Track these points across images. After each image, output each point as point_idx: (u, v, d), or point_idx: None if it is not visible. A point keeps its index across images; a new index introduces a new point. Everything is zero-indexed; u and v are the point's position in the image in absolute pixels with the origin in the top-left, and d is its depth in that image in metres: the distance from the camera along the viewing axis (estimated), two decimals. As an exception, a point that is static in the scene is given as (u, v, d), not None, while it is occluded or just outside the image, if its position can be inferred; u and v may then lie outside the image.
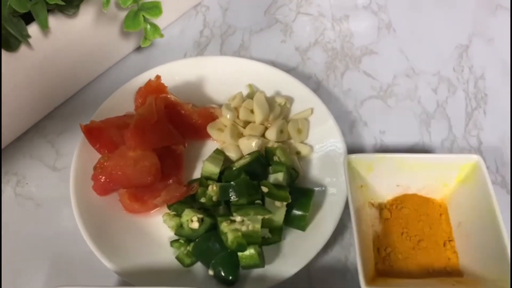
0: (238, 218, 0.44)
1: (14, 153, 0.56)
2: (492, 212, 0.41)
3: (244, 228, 0.43)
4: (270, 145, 0.52)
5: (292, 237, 0.47)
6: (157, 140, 0.49)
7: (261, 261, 0.44)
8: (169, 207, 0.48)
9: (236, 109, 0.54)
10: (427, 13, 0.70)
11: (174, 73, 0.57)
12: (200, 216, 0.46)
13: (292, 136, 0.53)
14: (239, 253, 0.43)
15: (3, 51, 0.47)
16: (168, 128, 0.51)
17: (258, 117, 0.53)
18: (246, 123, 0.54)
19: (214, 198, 0.47)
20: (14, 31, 0.46)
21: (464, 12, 0.69)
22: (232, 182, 0.45)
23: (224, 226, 0.44)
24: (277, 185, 0.46)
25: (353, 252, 0.49)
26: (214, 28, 0.68)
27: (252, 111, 0.54)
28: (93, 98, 0.59)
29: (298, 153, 0.53)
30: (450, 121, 0.59)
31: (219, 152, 0.51)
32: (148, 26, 0.52)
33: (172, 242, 0.47)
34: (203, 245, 0.45)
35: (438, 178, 0.46)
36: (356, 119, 0.59)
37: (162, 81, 0.53)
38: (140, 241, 0.48)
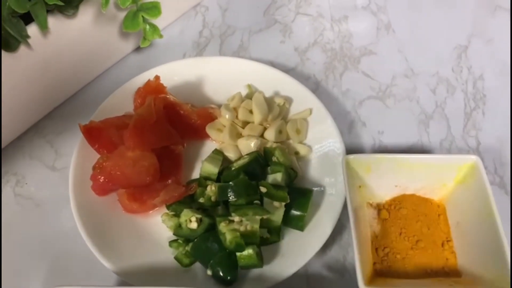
0: (237, 218, 0.44)
1: (14, 153, 0.56)
2: (490, 213, 0.41)
3: (242, 228, 0.43)
4: (269, 145, 0.52)
5: (291, 237, 0.47)
6: (156, 140, 0.49)
7: (260, 261, 0.44)
8: (167, 207, 0.48)
9: (235, 110, 0.55)
10: (426, 14, 0.70)
11: (173, 73, 0.57)
12: (199, 216, 0.46)
13: (291, 136, 0.54)
14: (238, 253, 0.44)
15: (2, 52, 0.47)
16: (167, 128, 0.51)
17: (257, 117, 0.53)
18: (245, 124, 0.54)
19: (213, 198, 0.47)
20: (14, 32, 0.46)
21: (463, 13, 0.70)
22: (230, 182, 0.45)
23: (223, 226, 0.44)
24: (276, 185, 0.47)
25: (351, 252, 0.49)
26: (213, 29, 0.68)
27: (251, 112, 0.54)
28: (92, 98, 0.59)
29: (296, 153, 0.53)
30: (448, 121, 0.59)
31: (218, 152, 0.51)
32: (147, 27, 0.52)
33: (171, 242, 0.47)
34: (202, 245, 0.45)
35: (436, 178, 0.46)
36: (355, 120, 0.59)
37: (161, 81, 0.53)
38: (139, 241, 0.48)
